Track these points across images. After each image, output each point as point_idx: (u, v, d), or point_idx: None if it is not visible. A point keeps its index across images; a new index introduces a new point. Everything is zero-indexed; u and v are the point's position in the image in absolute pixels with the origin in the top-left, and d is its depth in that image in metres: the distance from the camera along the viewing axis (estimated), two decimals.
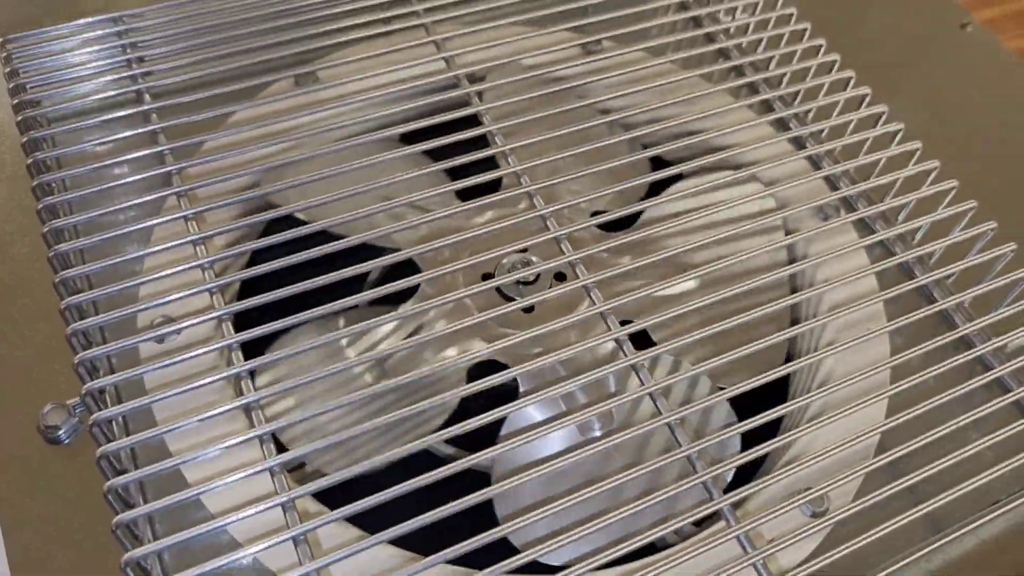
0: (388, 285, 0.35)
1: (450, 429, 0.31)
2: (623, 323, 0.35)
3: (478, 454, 0.31)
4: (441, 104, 0.42)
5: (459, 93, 0.42)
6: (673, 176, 0.42)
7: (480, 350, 0.34)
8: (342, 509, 0.30)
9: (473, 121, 0.42)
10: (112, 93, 0.43)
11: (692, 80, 0.46)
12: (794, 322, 0.43)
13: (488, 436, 0.35)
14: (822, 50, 0.47)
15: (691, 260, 0.41)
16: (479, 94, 0.42)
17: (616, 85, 0.44)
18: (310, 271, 0.35)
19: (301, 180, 0.38)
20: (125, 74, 0.43)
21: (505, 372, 0.33)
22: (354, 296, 0.35)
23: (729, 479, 0.34)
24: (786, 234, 0.44)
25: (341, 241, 0.36)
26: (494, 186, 0.41)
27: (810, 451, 0.35)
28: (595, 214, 0.41)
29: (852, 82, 0.45)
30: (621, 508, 0.30)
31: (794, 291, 0.43)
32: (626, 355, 0.33)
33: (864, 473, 0.34)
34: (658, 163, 0.44)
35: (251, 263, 0.38)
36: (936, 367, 0.36)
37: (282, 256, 0.36)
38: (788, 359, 0.40)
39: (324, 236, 0.37)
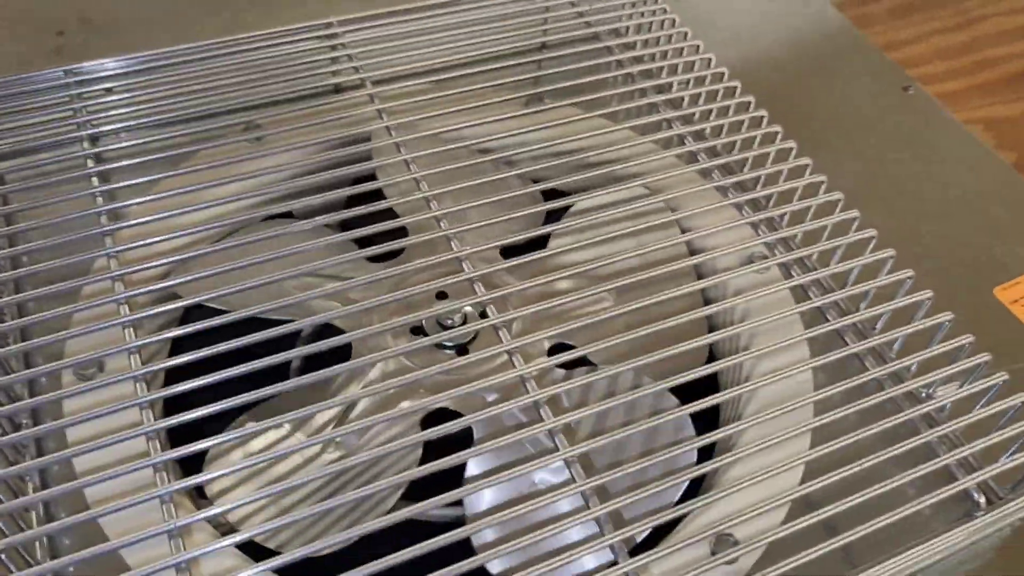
0: (319, 342, 0.36)
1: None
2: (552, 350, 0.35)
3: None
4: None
5: (386, 143, 0.44)
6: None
7: (431, 399, 0.35)
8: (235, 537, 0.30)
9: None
10: (55, 137, 0.44)
11: (624, 133, 0.47)
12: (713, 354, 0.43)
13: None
14: (751, 106, 0.48)
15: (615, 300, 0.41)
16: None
17: (543, 140, 0.46)
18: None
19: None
20: (71, 121, 0.45)
21: (460, 420, 0.33)
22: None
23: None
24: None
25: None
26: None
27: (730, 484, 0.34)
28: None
29: (780, 136, 0.47)
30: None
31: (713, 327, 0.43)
32: (543, 419, 0.34)
33: (783, 508, 0.34)
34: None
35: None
36: (858, 402, 0.36)
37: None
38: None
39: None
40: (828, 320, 0.41)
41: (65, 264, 0.38)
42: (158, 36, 0.83)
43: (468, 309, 0.41)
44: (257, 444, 0.37)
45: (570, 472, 0.32)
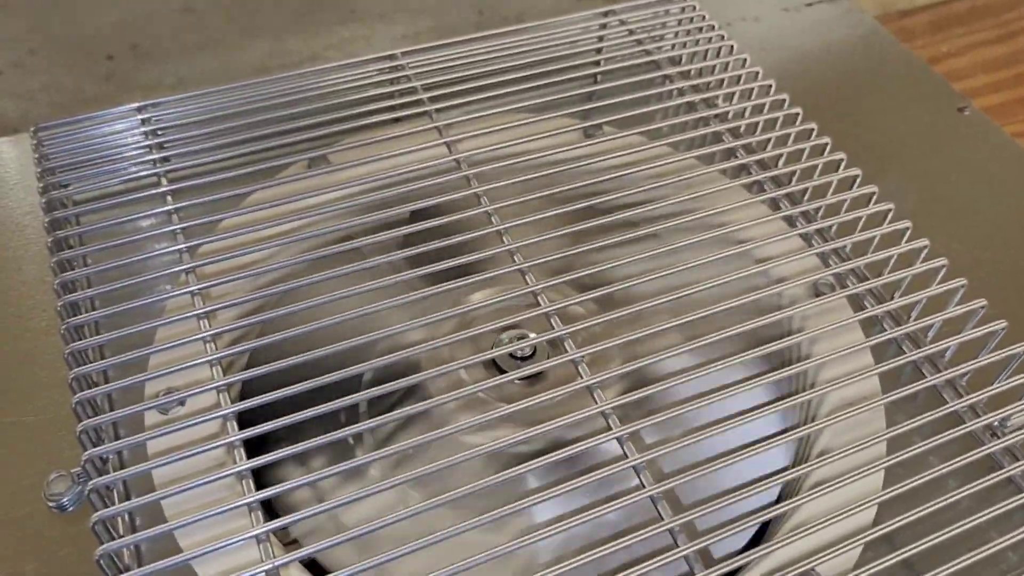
0: (393, 383, 0.36)
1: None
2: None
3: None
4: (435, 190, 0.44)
5: (456, 177, 0.44)
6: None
7: (509, 436, 0.35)
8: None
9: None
10: (132, 177, 0.45)
11: (688, 162, 0.48)
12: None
13: None
14: (814, 133, 0.48)
15: (683, 330, 0.41)
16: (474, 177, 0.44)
17: (610, 168, 0.46)
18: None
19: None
20: (146, 158, 0.45)
21: (546, 458, 0.34)
22: (358, 394, 0.35)
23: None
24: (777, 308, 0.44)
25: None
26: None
27: (805, 523, 0.35)
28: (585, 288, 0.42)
29: (843, 163, 0.47)
30: None
31: (785, 363, 0.43)
32: (611, 428, 0.34)
33: (861, 545, 0.34)
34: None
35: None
36: (932, 439, 0.36)
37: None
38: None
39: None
40: (902, 351, 0.41)
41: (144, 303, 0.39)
42: (204, 60, 0.84)
43: (538, 341, 0.41)
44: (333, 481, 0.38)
45: (657, 510, 0.33)
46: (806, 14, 0.65)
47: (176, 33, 0.83)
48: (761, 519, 0.33)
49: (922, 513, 0.34)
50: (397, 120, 0.50)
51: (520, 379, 0.42)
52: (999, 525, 0.35)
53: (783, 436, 0.36)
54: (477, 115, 0.48)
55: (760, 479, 0.35)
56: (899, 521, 0.34)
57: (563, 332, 0.37)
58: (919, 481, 0.35)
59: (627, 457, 0.33)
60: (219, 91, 0.49)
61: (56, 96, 0.79)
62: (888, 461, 0.35)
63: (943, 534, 0.34)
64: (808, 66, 0.61)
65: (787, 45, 0.62)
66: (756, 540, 0.39)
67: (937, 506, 0.34)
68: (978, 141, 0.56)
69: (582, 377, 0.36)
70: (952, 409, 0.38)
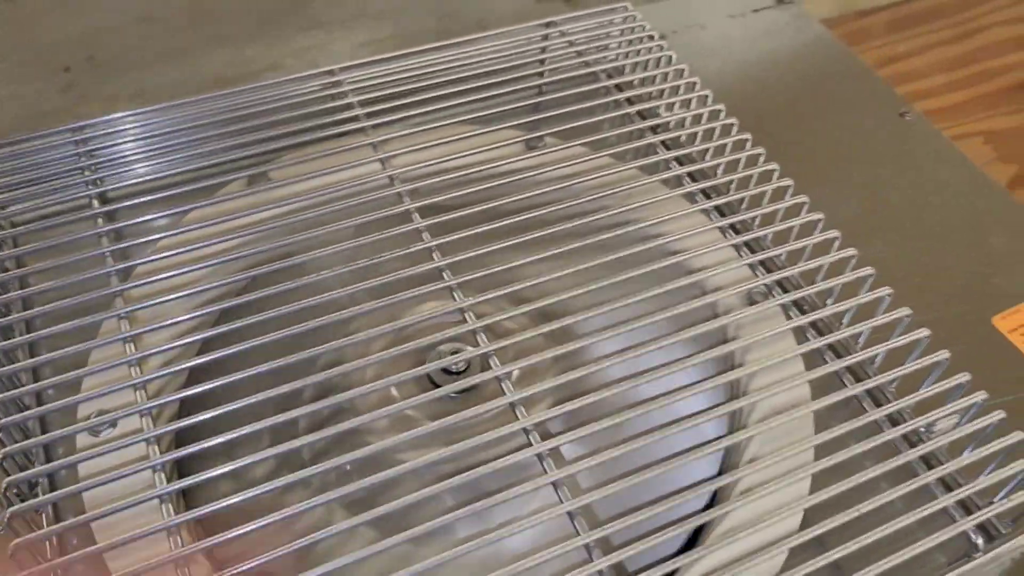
0: (325, 400, 0.37)
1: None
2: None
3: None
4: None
5: (390, 194, 0.45)
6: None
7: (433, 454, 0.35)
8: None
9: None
10: (69, 199, 0.45)
11: (626, 173, 0.48)
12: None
13: None
14: (748, 144, 0.49)
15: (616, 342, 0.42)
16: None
17: (545, 181, 0.46)
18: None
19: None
20: (79, 180, 0.46)
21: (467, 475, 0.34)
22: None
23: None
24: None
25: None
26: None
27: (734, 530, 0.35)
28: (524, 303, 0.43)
29: (777, 174, 0.47)
30: None
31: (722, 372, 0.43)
32: (531, 444, 0.34)
33: (786, 551, 0.34)
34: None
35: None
36: (855, 447, 0.36)
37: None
38: None
39: None
40: (826, 362, 0.42)
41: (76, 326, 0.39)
42: (163, 71, 0.84)
43: (472, 356, 0.42)
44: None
45: (573, 525, 0.33)
46: (752, 20, 0.66)
47: (135, 44, 0.83)
48: (685, 527, 0.34)
49: (846, 518, 0.35)
50: (341, 135, 0.50)
51: (455, 394, 0.42)
52: (928, 526, 0.35)
53: (709, 445, 0.36)
54: (414, 130, 0.48)
55: (686, 488, 0.35)
56: (824, 526, 0.34)
57: (489, 349, 0.38)
58: (846, 487, 0.35)
59: (547, 473, 0.34)
60: (156, 110, 0.49)
61: (12, 109, 0.79)
62: (815, 467, 0.36)
63: (868, 537, 0.34)
64: (752, 73, 0.61)
65: (732, 52, 0.63)
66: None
67: (863, 510, 0.35)
68: (919, 146, 0.57)
69: (506, 394, 0.36)
70: (876, 417, 0.38)
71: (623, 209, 0.46)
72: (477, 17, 0.88)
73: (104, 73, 0.84)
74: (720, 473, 0.43)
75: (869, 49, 1.00)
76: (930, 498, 0.36)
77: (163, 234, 0.44)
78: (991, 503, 0.37)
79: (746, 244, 0.46)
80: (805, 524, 0.36)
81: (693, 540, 0.40)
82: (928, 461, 0.39)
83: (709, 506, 0.40)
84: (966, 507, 0.38)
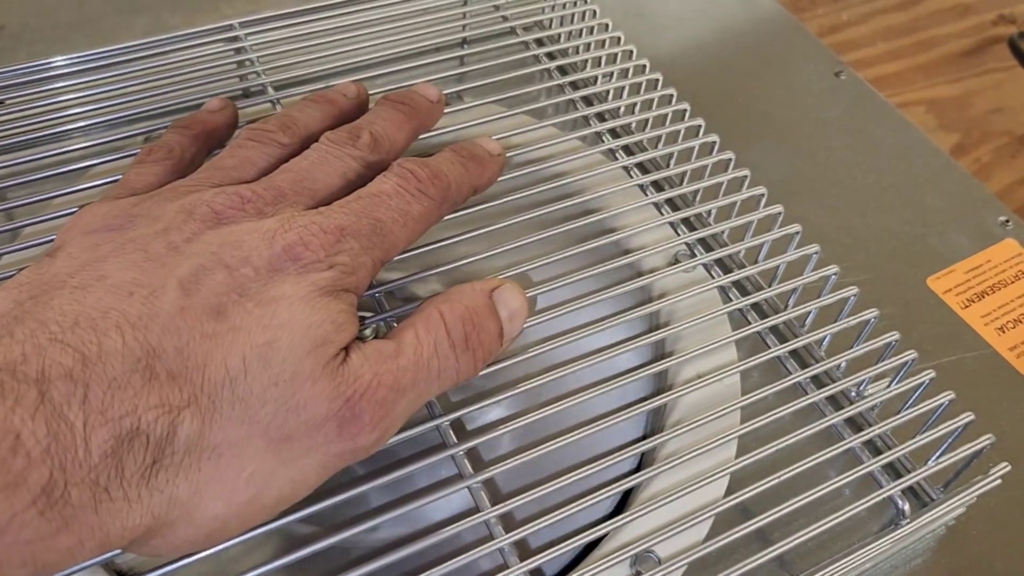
0: None
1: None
2: None
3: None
4: None
5: None
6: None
7: None
8: None
9: None
10: None
11: (547, 131, 0.45)
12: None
13: None
14: (674, 98, 0.46)
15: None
16: None
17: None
18: None
19: None
20: None
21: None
22: None
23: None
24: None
25: None
26: None
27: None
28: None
29: (702, 129, 0.45)
30: None
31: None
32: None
33: (711, 518, 0.32)
34: None
35: None
36: (784, 407, 0.34)
37: None
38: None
39: None
40: (751, 322, 0.40)
41: None
42: (77, 41, 0.79)
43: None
44: None
45: (474, 500, 0.31)
46: None
47: (48, 12, 0.78)
48: (599, 497, 0.31)
49: (767, 485, 0.33)
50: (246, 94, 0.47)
51: None
52: (861, 493, 0.33)
53: (631, 408, 0.34)
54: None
55: (602, 456, 0.33)
56: (747, 493, 0.32)
57: (392, 314, 0.35)
58: (770, 451, 0.33)
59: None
60: (39, 65, 0.46)
61: None
62: (741, 430, 0.34)
63: (792, 504, 0.32)
64: (682, 36, 0.59)
65: (664, 13, 0.61)
66: None
67: (783, 477, 0.33)
68: (853, 107, 0.55)
69: None
70: (800, 379, 0.36)
71: (545, 167, 0.43)
72: None
73: (14, 44, 0.79)
74: (644, 437, 0.41)
75: (813, 18, 0.99)
76: (858, 463, 0.34)
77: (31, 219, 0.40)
78: (921, 468, 0.35)
79: (670, 201, 0.44)
80: (731, 491, 0.33)
81: (622, 506, 0.38)
82: (857, 424, 0.38)
83: (637, 469, 0.38)
84: (896, 471, 0.36)
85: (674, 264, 0.41)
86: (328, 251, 0.28)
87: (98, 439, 0.22)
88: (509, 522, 0.31)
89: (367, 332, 0.40)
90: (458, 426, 0.33)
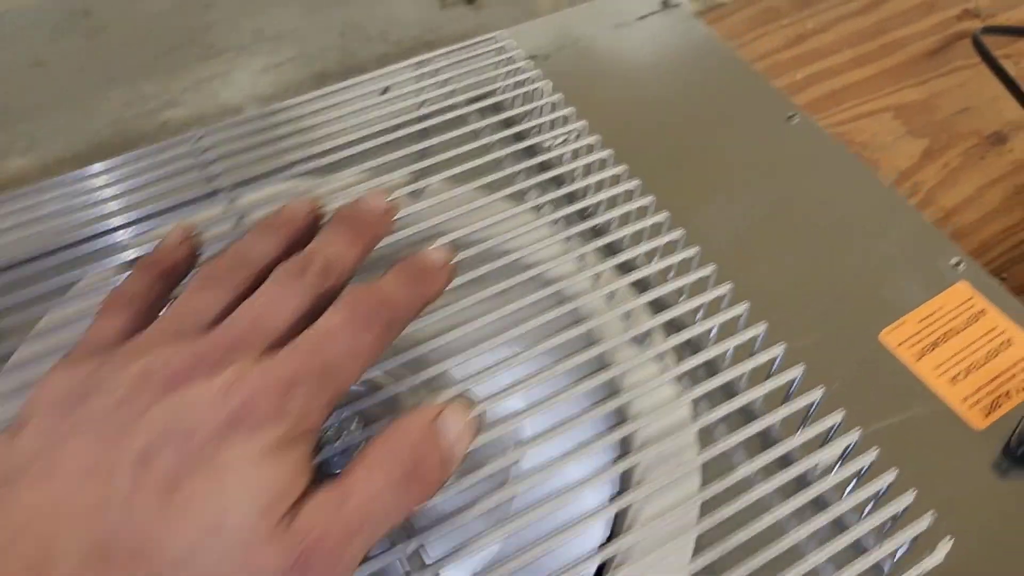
0: None
1: None
2: None
3: None
4: None
5: None
6: None
7: None
8: None
9: None
10: None
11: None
12: None
13: None
14: (610, 160, 0.48)
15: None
16: None
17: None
18: None
19: None
20: None
21: None
22: None
23: None
24: None
25: None
26: None
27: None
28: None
29: (639, 190, 0.46)
30: None
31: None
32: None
33: None
34: None
35: None
36: (749, 491, 0.36)
37: None
38: None
39: None
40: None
41: None
42: (57, 117, 0.81)
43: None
44: None
45: None
46: (638, 28, 0.65)
47: (26, 91, 0.80)
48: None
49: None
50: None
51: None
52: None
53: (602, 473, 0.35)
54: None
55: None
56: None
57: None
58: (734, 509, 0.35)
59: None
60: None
61: None
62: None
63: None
64: (638, 83, 0.60)
65: (617, 65, 0.62)
66: None
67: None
68: (804, 152, 0.56)
69: None
70: (761, 464, 0.37)
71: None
72: (380, 29, 0.85)
73: None
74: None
75: (778, 28, 0.99)
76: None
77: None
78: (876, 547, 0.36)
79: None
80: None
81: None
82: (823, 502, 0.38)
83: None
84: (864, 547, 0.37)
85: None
86: (280, 401, 0.30)
87: None
88: None
89: (329, 433, 0.42)
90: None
